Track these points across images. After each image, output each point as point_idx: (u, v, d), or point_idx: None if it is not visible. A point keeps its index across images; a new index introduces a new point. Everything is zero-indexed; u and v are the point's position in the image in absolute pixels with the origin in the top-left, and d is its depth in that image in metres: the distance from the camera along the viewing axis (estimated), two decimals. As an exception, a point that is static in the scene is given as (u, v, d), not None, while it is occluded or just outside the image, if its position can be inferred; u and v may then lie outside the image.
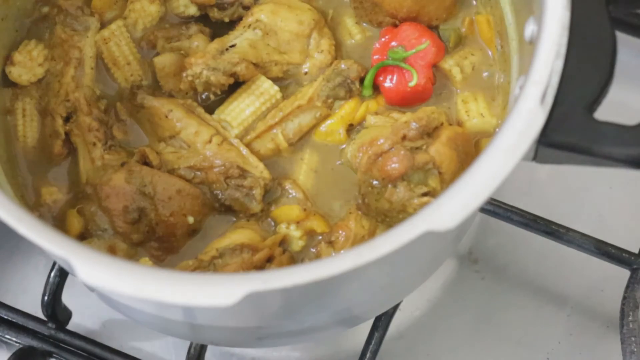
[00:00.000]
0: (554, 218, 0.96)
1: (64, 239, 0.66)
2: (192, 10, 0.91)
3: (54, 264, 0.93)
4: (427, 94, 0.87)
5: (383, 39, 0.88)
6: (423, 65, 0.87)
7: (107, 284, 0.62)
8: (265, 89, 0.87)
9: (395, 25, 0.89)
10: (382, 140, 0.82)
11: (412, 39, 0.87)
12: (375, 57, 0.88)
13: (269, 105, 0.87)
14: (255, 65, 0.87)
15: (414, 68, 0.86)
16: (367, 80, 0.88)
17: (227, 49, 0.87)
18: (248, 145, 0.86)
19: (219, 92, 0.87)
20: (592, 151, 0.68)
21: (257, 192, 0.84)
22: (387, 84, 0.87)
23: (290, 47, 0.88)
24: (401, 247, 0.63)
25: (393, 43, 0.88)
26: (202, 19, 0.91)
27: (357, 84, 0.87)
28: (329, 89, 0.87)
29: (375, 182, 0.82)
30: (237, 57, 0.86)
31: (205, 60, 0.85)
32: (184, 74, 0.86)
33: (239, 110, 0.87)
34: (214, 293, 0.61)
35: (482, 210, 0.96)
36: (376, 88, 0.88)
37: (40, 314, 0.96)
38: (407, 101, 0.87)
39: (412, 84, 0.86)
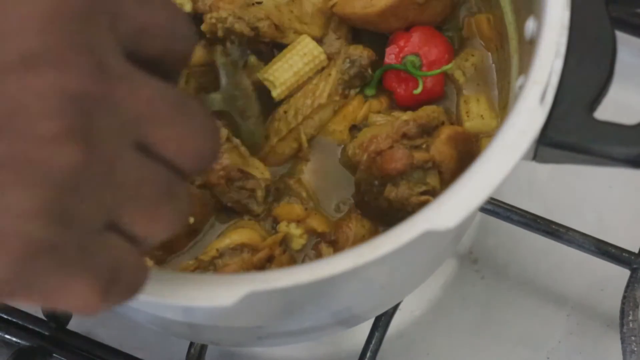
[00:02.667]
0: (554, 218, 0.96)
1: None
2: (187, 8, 0.90)
3: (54, 264, 0.93)
4: (438, 95, 0.87)
5: (397, 45, 0.87)
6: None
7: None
8: (309, 49, 0.86)
9: (407, 30, 0.88)
10: (381, 139, 0.82)
11: (423, 46, 0.86)
12: (391, 56, 0.87)
13: (312, 66, 0.86)
14: (276, 27, 0.86)
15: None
16: (373, 81, 0.87)
17: (253, 4, 0.86)
18: (272, 149, 0.86)
19: (235, 43, 0.85)
20: (591, 151, 0.68)
21: (259, 194, 0.84)
22: (401, 90, 0.87)
23: (312, 19, 0.87)
24: (401, 247, 0.62)
25: (407, 49, 0.87)
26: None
27: (370, 70, 0.87)
28: (344, 82, 0.87)
29: (374, 181, 0.82)
30: (262, 13, 0.85)
31: (233, 7, 0.84)
32: (208, 16, 0.84)
33: (283, 70, 0.86)
34: (213, 293, 0.61)
35: (482, 210, 0.96)
36: (380, 88, 0.88)
37: (40, 314, 0.96)
38: (419, 103, 0.87)
39: (417, 91, 0.85)
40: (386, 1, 0.85)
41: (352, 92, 0.87)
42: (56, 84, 0.50)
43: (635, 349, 0.90)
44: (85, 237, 0.50)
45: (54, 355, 0.96)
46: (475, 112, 0.86)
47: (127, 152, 0.52)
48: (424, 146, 0.81)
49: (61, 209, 0.49)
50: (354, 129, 0.87)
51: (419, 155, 0.80)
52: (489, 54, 0.88)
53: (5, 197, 0.49)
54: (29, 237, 0.49)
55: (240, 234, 0.83)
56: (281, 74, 0.86)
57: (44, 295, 0.50)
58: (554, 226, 0.95)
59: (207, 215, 0.85)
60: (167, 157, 0.54)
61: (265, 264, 0.82)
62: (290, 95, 0.87)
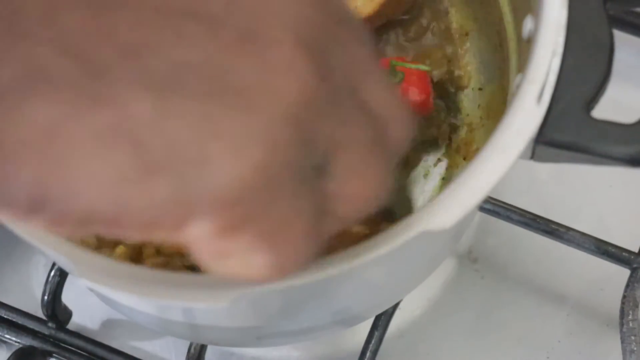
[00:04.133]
0: (554, 218, 0.96)
1: (61, 241, 0.66)
2: None
3: (54, 263, 0.93)
4: (428, 108, 0.87)
5: None
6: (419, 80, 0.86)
7: (102, 285, 0.62)
8: None
9: None
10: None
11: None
12: None
13: None
14: None
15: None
16: None
17: None
18: None
19: None
20: (589, 149, 0.68)
21: None
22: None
23: None
24: (397, 247, 0.62)
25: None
26: None
27: None
28: None
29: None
30: None
31: None
32: None
33: None
34: (208, 294, 0.61)
35: (482, 209, 0.96)
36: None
37: (40, 314, 0.96)
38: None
39: (396, 80, 0.85)
40: None
41: None
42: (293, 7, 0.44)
43: (635, 348, 0.89)
44: (299, 178, 0.45)
45: (54, 355, 0.96)
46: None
47: (345, 94, 0.45)
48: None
49: (286, 142, 0.42)
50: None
51: (416, 155, 0.80)
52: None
53: (237, 120, 0.42)
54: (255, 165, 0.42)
55: (240, 234, 0.83)
56: None
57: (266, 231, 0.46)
58: (554, 226, 0.95)
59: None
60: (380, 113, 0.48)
61: (264, 264, 0.81)
62: None
